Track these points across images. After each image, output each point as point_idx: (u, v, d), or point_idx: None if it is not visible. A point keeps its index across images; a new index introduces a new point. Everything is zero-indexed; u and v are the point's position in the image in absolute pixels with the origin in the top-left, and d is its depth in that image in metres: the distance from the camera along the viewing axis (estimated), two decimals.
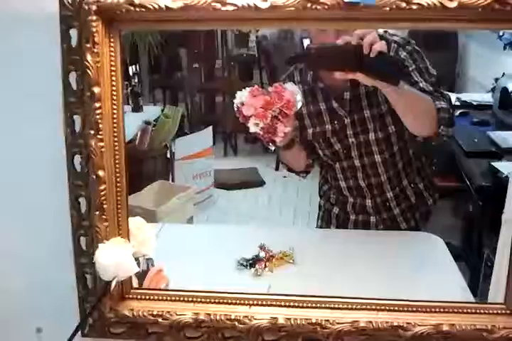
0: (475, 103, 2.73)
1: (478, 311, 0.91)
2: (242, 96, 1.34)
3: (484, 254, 1.83)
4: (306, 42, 1.51)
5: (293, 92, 1.33)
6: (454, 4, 0.78)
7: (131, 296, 0.95)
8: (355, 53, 1.16)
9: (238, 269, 1.43)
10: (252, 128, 1.33)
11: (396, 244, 1.53)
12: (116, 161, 0.88)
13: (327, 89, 1.51)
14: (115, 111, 0.87)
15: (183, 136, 3.29)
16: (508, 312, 0.91)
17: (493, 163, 1.99)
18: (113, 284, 0.86)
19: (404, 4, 0.79)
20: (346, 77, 1.21)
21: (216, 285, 1.29)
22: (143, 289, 0.98)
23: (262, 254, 1.46)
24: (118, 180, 0.89)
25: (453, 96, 2.23)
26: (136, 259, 1.22)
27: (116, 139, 0.88)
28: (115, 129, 0.87)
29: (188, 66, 4.19)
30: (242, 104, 1.34)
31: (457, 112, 2.24)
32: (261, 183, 3.62)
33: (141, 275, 1.25)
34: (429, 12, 0.79)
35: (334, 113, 1.52)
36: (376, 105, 1.48)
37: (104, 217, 0.89)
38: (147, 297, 0.95)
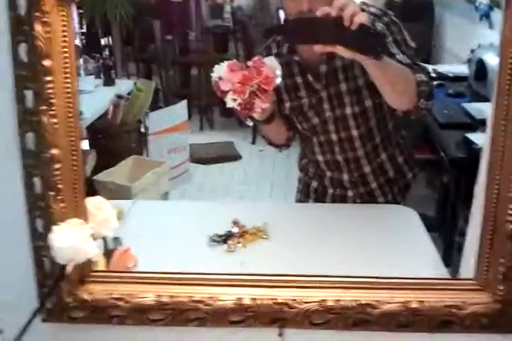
0: (451, 74, 2.71)
1: (447, 287, 0.90)
2: (220, 70, 1.28)
3: (458, 226, 1.84)
4: (282, 12, 1.47)
5: (272, 67, 1.27)
6: None
7: (90, 279, 0.91)
8: (335, 25, 1.11)
9: (211, 245, 1.41)
10: (230, 104, 1.27)
11: (370, 218, 1.52)
12: (71, 138, 0.84)
13: (303, 63, 1.47)
14: (68, 85, 0.82)
15: (157, 109, 3.25)
16: (477, 288, 0.90)
17: (467, 135, 1.98)
18: (69, 268, 0.83)
19: None
20: (325, 50, 1.16)
21: (187, 262, 1.28)
22: (103, 272, 0.94)
23: (235, 230, 1.44)
24: (74, 158, 0.84)
25: (429, 68, 2.21)
26: (104, 238, 1.20)
27: (70, 115, 0.83)
28: (69, 104, 0.82)
29: (162, 38, 4.11)
30: (220, 78, 1.28)
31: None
32: (237, 157, 3.59)
33: (109, 255, 1.23)
34: None
35: (310, 87, 1.49)
36: (353, 79, 1.45)
37: (59, 197, 0.85)
38: (108, 280, 0.92)
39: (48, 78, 0.80)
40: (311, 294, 0.90)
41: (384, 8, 1.47)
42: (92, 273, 0.93)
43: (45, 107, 0.81)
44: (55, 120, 0.82)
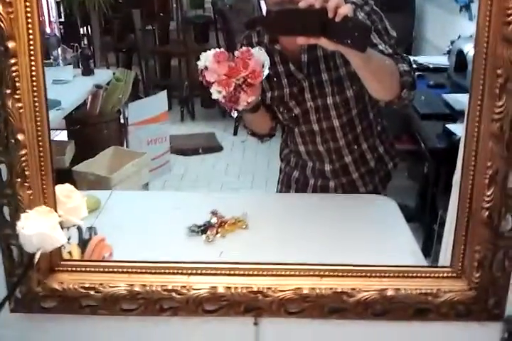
0: (431, 66, 2.72)
1: (423, 275, 0.90)
2: (206, 59, 1.24)
3: (438, 216, 1.85)
4: (263, 3, 1.45)
5: (259, 60, 1.24)
6: None
7: (61, 269, 0.89)
8: (318, 17, 1.09)
9: (190, 236, 1.40)
10: (215, 95, 1.24)
11: (349, 207, 1.52)
12: (38, 124, 0.81)
13: (284, 52, 1.46)
14: (34, 68, 0.79)
15: (137, 100, 3.21)
16: (453, 275, 0.90)
17: (447, 125, 1.99)
18: (37, 256, 0.80)
19: None
20: (309, 42, 1.14)
21: (165, 253, 1.27)
22: (74, 261, 0.92)
23: (214, 220, 1.42)
24: (40, 144, 0.82)
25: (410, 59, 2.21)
26: (79, 228, 1.17)
27: (36, 99, 0.80)
28: (35, 88, 0.79)
29: (142, 28, 4.06)
30: (206, 68, 1.23)
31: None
32: (219, 148, 3.57)
33: (84, 244, 1.21)
34: None
35: (292, 76, 1.47)
36: (334, 68, 1.44)
37: (26, 184, 0.82)
38: (79, 269, 0.89)
39: (12, 60, 0.77)
40: (287, 282, 0.88)
41: None
42: (63, 262, 0.91)
43: (9, 91, 0.78)
44: (20, 104, 0.79)
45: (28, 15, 0.77)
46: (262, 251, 1.28)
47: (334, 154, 1.56)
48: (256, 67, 1.22)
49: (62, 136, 2.98)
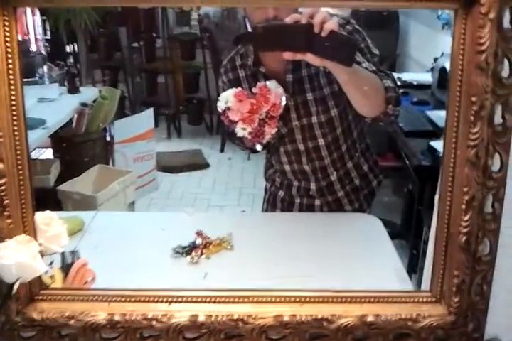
0: (415, 83, 2.75)
1: (403, 300, 0.90)
2: (227, 100, 1.29)
3: (423, 233, 1.85)
4: (248, 21, 1.46)
5: (278, 93, 1.30)
6: None
7: (40, 297, 0.88)
8: (305, 33, 1.10)
9: (174, 257, 1.39)
10: (240, 133, 1.29)
11: (334, 227, 1.52)
12: (18, 152, 0.81)
13: (269, 73, 1.46)
14: (13, 97, 0.79)
15: (124, 117, 3.21)
16: (433, 300, 0.90)
17: (431, 143, 2.00)
18: (15, 286, 0.80)
19: None
20: (295, 57, 1.15)
21: (149, 275, 1.26)
22: (53, 289, 0.91)
23: (199, 241, 1.42)
24: (20, 172, 0.81)
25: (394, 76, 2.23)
26: (62, 252, 1.17)
27: (16, 128, 0.80)
28: (15, 116, 0.79)
29: (128, 45, 4.08)
30: (229, 108, 1.29)
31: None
32: (205, 165, 3.58)
33: (66, 268, 1.20)
34: None
35: None
36: (318, 88, 1.45)
37: (6, 213, 0.82)
38: (58, 298, 0.89)
39: None
40: (267, 309, 0.88)
41: (349, 16, 1.47)
42: (42, 291, 0.90)
43: None
44: None
45: (8, 44, 0.78)
46: (246, 272, 1.28)
47: (320, 173, 1.57)
48: (276, 100, 1.27)
49: (47, 154, 2.97)
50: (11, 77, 0.79)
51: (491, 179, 0.80)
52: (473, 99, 0.77)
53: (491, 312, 0.90)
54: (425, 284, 0.94)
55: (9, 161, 0.81)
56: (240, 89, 1.30)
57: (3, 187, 0.81)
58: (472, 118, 0.78)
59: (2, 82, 0.78)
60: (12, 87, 0.79)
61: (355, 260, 1.36)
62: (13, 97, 0.80)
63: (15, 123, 0.81)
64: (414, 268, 1.78)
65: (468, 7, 0.74)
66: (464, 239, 0.83)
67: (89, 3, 0.79)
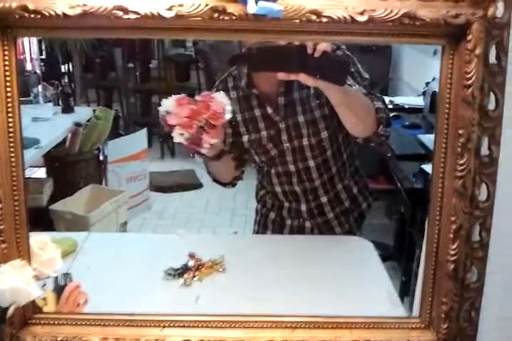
0: (407, 106, 2.78)
1: (393, 326, 0.91)
2: (168, 104, 1.24)
3: (415, 255, 1.86)
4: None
5: (221, 103, 1.25)
6: (364, 18, 0.76)
7: (34, 321, 0.89)
8: (298, 53, 1.12)
9: (166, 279, 1.39)
10: (177, 139, 1.24)
11: (326, 250, 1.53)
12: (14, 179, 0.82)
13: (261, 96, 1.49)
14: (11, 125, 0.80)
15: (117, 137, 3.22)
16: (422, 326, 0.91)
17: (422, 166, 2.02)
18: (10, 311, 0.81)
19: (314, 17, 0.77)
20: (289, 78, 1.17)
21: (141, 297, 1.26)
22: (47, 313, 0.92)
23: (191, 263, 1.42)
24: (16, 198, 0.83)
25: (386, 99, 2.25)
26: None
27: (13, 154, 0.81)
28: (11, 144, 0.81)
29: (123, 66, 4.11)
30: (168, 112, 1.24)
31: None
32: (198, 186, 3.58)
33: (59, 291, 1.20)
34: (339, 25, 0.77)
35: (269, 119, 1.50)
36: (309, 111, 1.47)
37: (1, 238, 0.83)
38: (52, 322, 0.89)
39: None
40: (259, 334, 0.89)
41: None
42: (36, 315, 0.90)
43: None
44: None
45: (7, 74, 0.80)
46: (238, 295, 1.28)
47: (310, 194, 1.58)
48: (218, 108, 1.23)
49: (39, 173, 2.98)
50: (9, 105, 0.81)
51: (477, 209, 0.82)
52: (460, 131, 0.79)
53: (479, 338, 0.92)
54: (416, 309, 0.95)
55: (5, 188, 0.83)
56: (183, 95, 1.26)
57: None
58: (459, 149, 0.80)
59: (2, 112, 0.80)
60: (10, 115, 0.81)
61: (347, 283, 1.37)
62: (10, 125, 0.82)
63: (12, 150, 0.82)
64: (406, 290, 1.78)
65: (455, 43, 0.77)
66: (451, 267, 0.84)
67: (86, 36, 0.81)
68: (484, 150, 0.81)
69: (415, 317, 0.92)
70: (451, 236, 0.83)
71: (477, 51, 0.75)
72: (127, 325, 0.89)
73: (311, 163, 1.53)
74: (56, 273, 0.89)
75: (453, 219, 0.82)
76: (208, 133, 1.22)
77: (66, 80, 3.68)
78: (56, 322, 0.89)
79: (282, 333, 0.89)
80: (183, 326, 0.89)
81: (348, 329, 0.90)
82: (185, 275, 1.38)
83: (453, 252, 0.83)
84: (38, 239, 0.89)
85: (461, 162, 0.80)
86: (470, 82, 0.77)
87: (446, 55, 0.78)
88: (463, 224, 0.82)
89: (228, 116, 1.23)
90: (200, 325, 0.89)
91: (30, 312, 0.90)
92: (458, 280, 0.85)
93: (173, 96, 1.25)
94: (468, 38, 0.75)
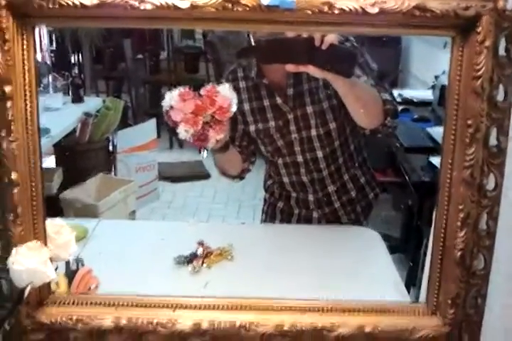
0: (416, 100, 2.79)
1: (400, 311, 0.93)
2: (171, 98, 1.20)
3: (422, 247, 1.87)
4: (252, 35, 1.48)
5: (226, 97, 1.22)
6: (375, 10, 0.78)
7: (49, 302, 0.92)
8: (306, 45, 1.14)
9: (176, 266, 1.41)
10: (182, 135, 1.20)
11: (333, 239, 1.55)
12: (32, 165, 0.84)
13: (271, 86, 1.50)
14: (29, 112, 0.83)
15: (127, 127, 3.24)
16: (429, 312, 0.93)
17: (431, 159, 2.03)
18: (27, 291, 0.83)
19: (326, 8, 0.78)
20: (297, 69, 1.18)
21: (151, 283, 1.29)
22: (61, 295, 0.94)
23: (200, 251, 1.44)
24: (33, 184, 0.85)
25: (395, 93, 2.25)
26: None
27: (30, 141, 0.84)
28: (29, 131, 0.83)
29: (133, 57, 4.13)
30: (172, 107, 1.20)
31: (399, 108, 2.28)
32: (206, 176, 3.60)
33: (71, 276, 1.22)
34: (350, 16, 0.78)
35: (278, 109, 1.51)
36: (318, 102, 1.49)
37: (18, 221, 0.86)
38: (66, 302, 0.92)
39: (8, 104, 0.81)
40: (269, 317, 0.91)
41: None
42: (51, 296, 0.93)
43: (4, 133, 0.82)
44: (14, 146, 0.83)
45: (25, 62, 0.82)
46: (246, 282, 1.30)
47: (317, 184, 1.60)
48: (223, 103, 1.20)
49: (49, 161, 3.00)
50: (28, 92, 0.83)
51: (485, 198, 0.83)
52: (469, 122, 0.81)
53: (485, 324, 0.93)
54: (422, 296, 0.97)
55: (23, 172, 0.85)
56: (187, 88, 1.22)
57: (16, 197, 0.85)
58: (468, 140, 0.81)
59: (20, 99, 0.82)
60: (28, 102, 0.83)
61: (354, 272, 1.38)
62: (28, 112, 0.84)
63: (29, 136, 0.84)
64: (413, 280, 1.80)
65: (465, 35, 0.78)
66: (459, 254, 0.86)
67: (102, 25, 0.82)
68: (493, 141, 0.83)
69: (422, 302, 0.94)
70: (459, 224, 0.84)
71: (487, 43, 0.77)
72: (140, 306, 0.91)
73: (319, 154, 1.54)
74: (71, 256, 0.91)
75: (461, 207, 0.84)
76: (213, 129, 1.20)
77: (76, 71, 3.69)
78: (70, 303, 0.92)
79: (292, 316, 0.91)
80: (195, 308, 0.91)
81: (355, 314, 0.92)
82: (194, 263, 1.40)
83: (460, 240, 0.85)
84: (53, 223, 0.91)
85: (470, 152, 0.81)
86: (479, 73, 0.78)
87: (456, 46, 0.79)
88: (470, 212, 0.84)
89: (234, 109, 1.21)
90: (210, 307, 0.92)
91: (45, 293, 0.92)
92: (465, 267, 0.87)
93: (176, 90, 1.22)
94: (478, 29, 0.77)
